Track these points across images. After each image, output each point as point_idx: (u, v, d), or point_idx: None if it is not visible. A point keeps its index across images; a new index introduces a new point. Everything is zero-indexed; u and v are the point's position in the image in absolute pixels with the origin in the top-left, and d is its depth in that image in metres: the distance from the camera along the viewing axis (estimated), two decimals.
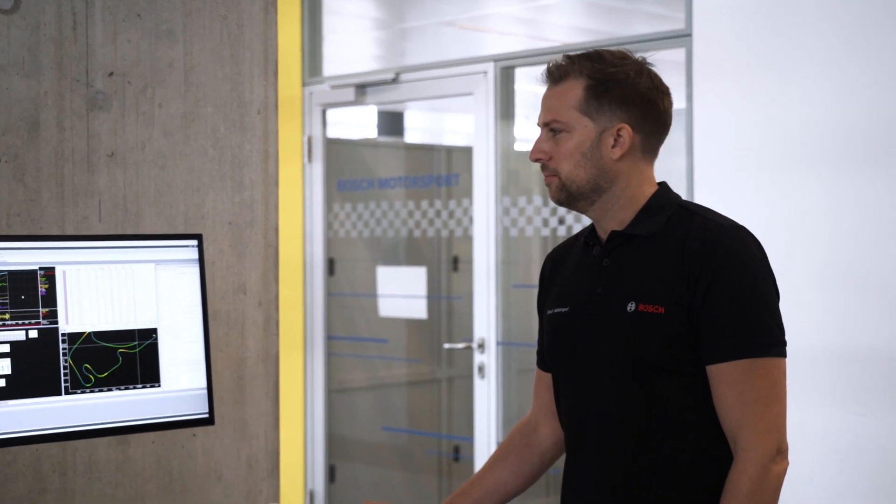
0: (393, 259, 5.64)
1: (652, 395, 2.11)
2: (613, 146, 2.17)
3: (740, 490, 2.02)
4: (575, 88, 2.17)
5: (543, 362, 2.41)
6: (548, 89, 2.22)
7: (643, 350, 2.10)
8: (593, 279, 2.22)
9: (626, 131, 2.16)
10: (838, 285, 3.77)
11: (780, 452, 2.04)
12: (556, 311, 2.29)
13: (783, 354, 2.07)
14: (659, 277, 2.12)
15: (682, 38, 4.26)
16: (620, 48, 2.25)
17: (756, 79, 3.98)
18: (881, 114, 3.70)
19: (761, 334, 2.05)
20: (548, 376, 2.38)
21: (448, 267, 5.48)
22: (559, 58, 2.22)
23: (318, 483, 5.55)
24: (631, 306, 2.13)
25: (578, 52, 2.22)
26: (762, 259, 2.12)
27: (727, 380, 2.05)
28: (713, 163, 4.10)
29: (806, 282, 3.79)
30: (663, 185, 2.25)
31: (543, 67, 2.25)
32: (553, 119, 2.18)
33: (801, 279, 3.78)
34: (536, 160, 2.21)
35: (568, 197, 2.19)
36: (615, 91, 2.15)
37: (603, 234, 2.24)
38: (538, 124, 2.24)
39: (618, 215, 2.20)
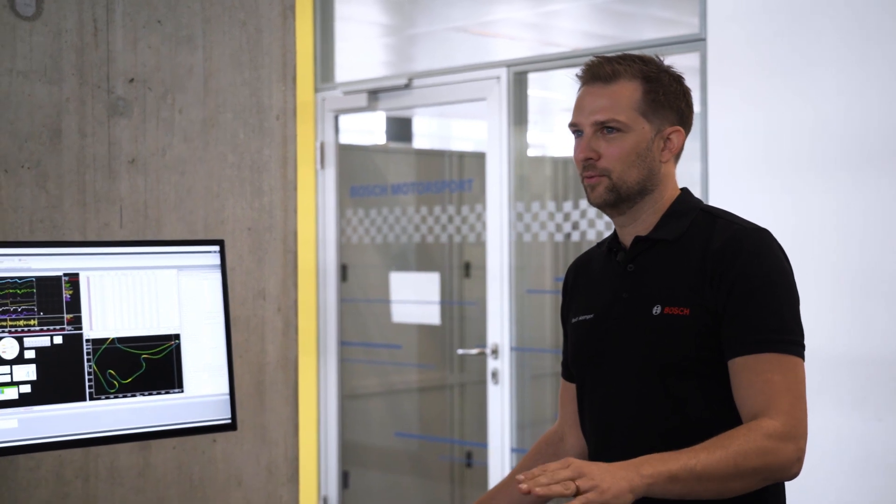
0: (405, 265, 5.63)
1: (677, 398, 2.11)
2: (663, 149, 2.17)
3: (757, 430, 1.95)
4: (632, 89, 2.15)
5: (568, 372, 2.40)
6: (593, 88, 2.17)
7: (670, 352, 2.10)
8: (618, 285, 2.22)
9: (680, 134, 2.17)
10: (850, 290, 3.77)
11: (799, 460, 2.00)
12: (580, 318, 2.29)
13: (804, 357, 2.07)
14: (683, 280, 2.12)
15: (696, 42, 4.26)
16: (639, 53, 2.25)
17: (771, 83, 3.98)
18: (893, 117, 3.70)
19: (786, 332, 2.05)
20: (572, 387, 2.37)
21: (460, 273, 5.48)
22: (597, 59, 2.19)
23: (332, 489, 5.54)
24: (656, 309, 2.13)
25: (615, 55, 2.21)
26: (785, 261, 2.13)
27: (752, 369, 2.02)
28: (728, 168, 4.10)
29: (818, 286, 3.78)
30: (685, 191, 2.26)
31: (575, 69, 2.23)
32: (611, 118, 2.14)
33: (813, 283, 3.78)
34: (587, 159, 2.16)
35: (617, 198, 2.16)
36: (669, 94, 2.17)
37: (626, 240, 2.24)
38: (578, 122, 2.18)
39: (646, 220, 2.20)
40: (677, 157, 2.23)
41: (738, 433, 1.96)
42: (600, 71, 2.16)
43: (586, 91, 2.19)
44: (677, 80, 2.20)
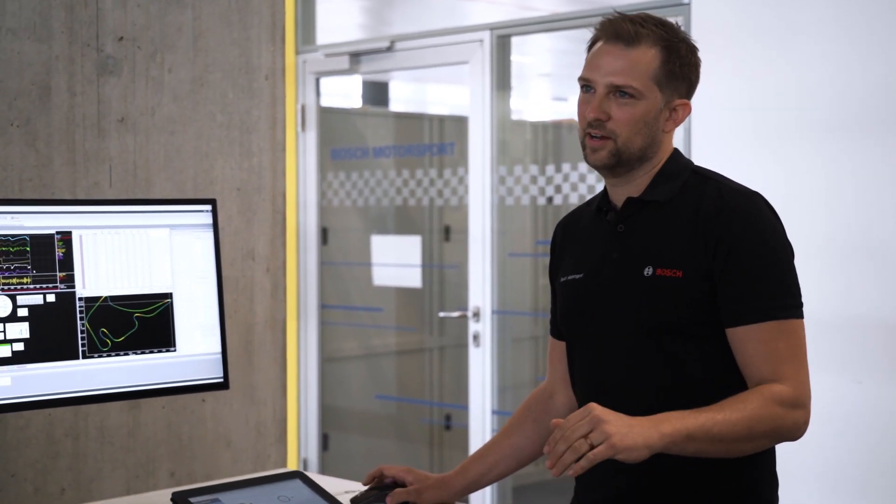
0: (386, 228, 5.64)
1: (668, 358, 2.13)
2: (668, 119, 2.17)
3: (769, 395, 2.01)
4: (651, 57, 2.12)
5: (557, 331, 2.41)
6: (613, 47, 2.13)
7: (662, 313, 2.11)
8: (608, 245, 2.23)
9: (686, 108, 2.17)
10: (836, 254, 3.80)
11: (805, 424, 2.08)
12: (569, 277, 2.29)
13: (803, 316, 2.10)
14: (675, 242, 2.13)
15: (679, 6, 4.26)
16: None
17: (755, 48, 3.99)
18: (878, 82, 3.72)
19: (786, 295, 2.08)
20: (561, 345, 2.39)
21: (440, 236, 5.48)
22: (618, 16, 2.15)
23: (312, 451, 5.56)
24: (648, 271, 2.14)
25: (634, 14, 2.16)
26: (777, 222, 2.15)
27: (757, 339, 2.06)
28: (711, 133, 4.12)
29: (804, 251, 3.79)
30: (676, 151, 2.26)
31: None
32: (628, 84, 2.11)
33: (799, 248, 3.79)
34: (596, 119, 2.13)
35: (617, 162, 2.15)
36: (684, 67, 2.15)
37: (617, 201, 2.24)
38: (592, 79, 2.14)
39: (638, 182, 2.21)
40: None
41: (751, 397, 2.01)
42: (622, 30, 2.12)
43: (605, 49, 2.15)
44: (692, 50, 2.17)
